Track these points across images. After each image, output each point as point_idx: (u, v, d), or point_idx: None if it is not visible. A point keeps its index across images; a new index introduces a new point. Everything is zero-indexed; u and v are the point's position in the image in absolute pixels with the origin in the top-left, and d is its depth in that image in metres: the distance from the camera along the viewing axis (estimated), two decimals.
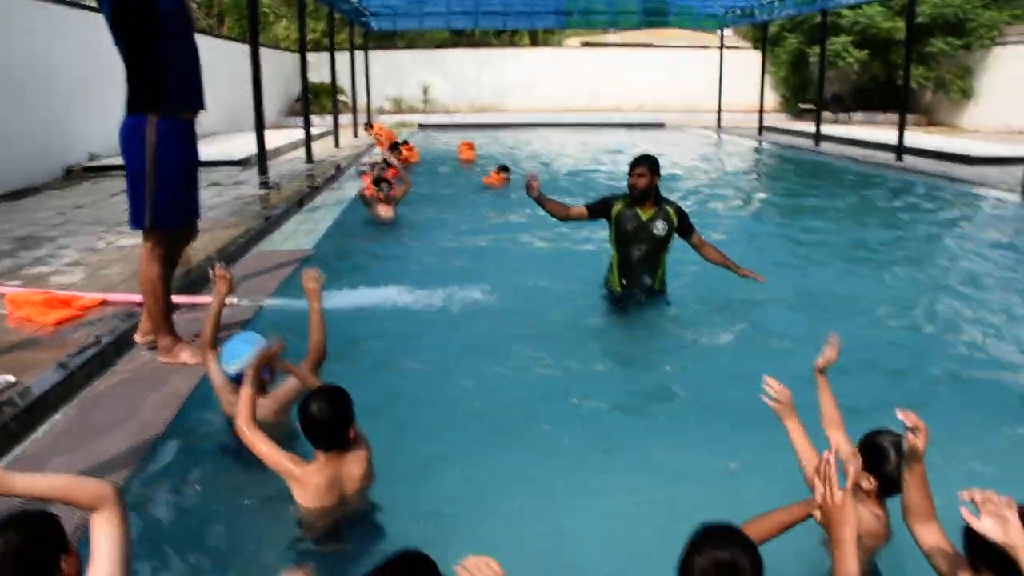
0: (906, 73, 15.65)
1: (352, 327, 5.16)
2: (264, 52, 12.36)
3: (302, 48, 15.37)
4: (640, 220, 5.70)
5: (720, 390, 4.36)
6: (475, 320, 5.65)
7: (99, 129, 12.00)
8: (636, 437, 3.88)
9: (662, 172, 5.71)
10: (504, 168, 12.73)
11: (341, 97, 22.65)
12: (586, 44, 38.86)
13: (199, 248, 7.02)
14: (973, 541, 1.96)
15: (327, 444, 2.86)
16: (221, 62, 16.41)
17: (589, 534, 3.07)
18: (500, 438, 3.81)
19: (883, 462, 2.48)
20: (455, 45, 34.31)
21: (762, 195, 12.88)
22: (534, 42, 37.82)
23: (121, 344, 4.79)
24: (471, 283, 6.26)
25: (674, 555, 1.88)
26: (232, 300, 4.41)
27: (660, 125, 26.58)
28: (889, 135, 16.45)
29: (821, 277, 7.04)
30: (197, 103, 4.52)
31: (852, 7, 23.40)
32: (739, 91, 26.50)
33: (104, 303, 5.41)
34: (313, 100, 22.92)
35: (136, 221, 4.43)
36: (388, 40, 32.74)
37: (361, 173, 12.31)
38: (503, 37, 36.99)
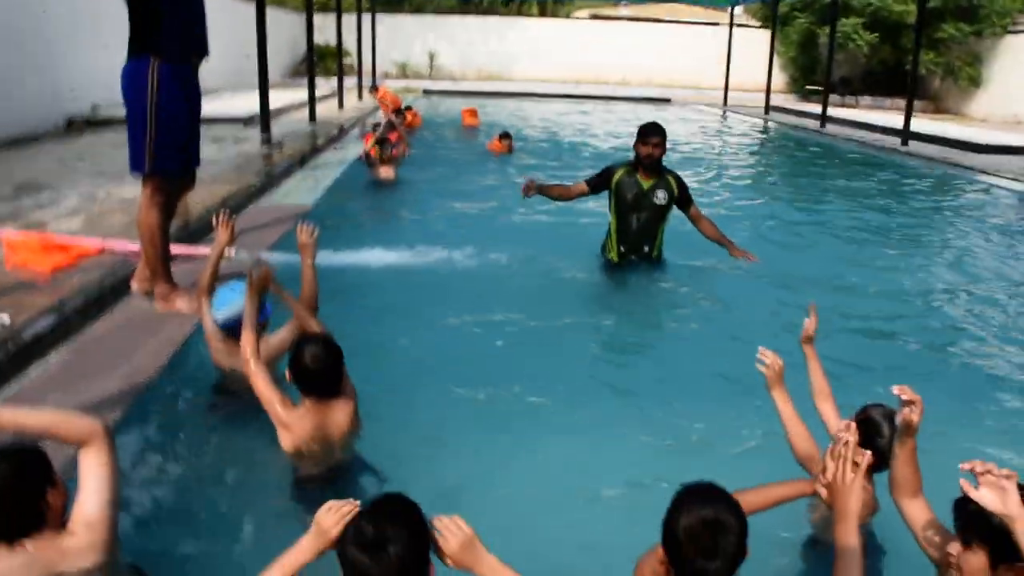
0: (915, 57, 15.51)
1: (345, 284, 5.16)
2: (270, 12, 12.24)
3: (308, 8, 15.21)
4: (641, 188, 5.69)
5: (714, 360, 4.36)
6: (469, 282, 5.65)
7: (102, 80, 11.88)
8: (629, 402, 3.89)
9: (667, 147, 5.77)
10: (507, 135, 12.68)
11: (346, 60, 22.46)
12: (595, 17, 38.52)
13: (198, 201, 7.00)
14: (967, 513, 1.95)
15: (319, 391, 2.86)
16: (226, 21, 16.23)
17: (579, 495, 3.08)
18: (491, 399, 3.82)
19: (876, 437, 2.47)
20: (463, 12, 34.00)
21: (763, 173, 12.84)
22: (543, 13, 37.46)
23: (117, 290, 4.79)
24: (468, 246, 6.27)
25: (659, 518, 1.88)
26: (230, 252, 4.40)
27: (667, 100, 26.42)
28: (895, 120, 16.34)
29: (816, 256, 7.03)
30: (200, 48, 4.48)
31: None
32: (747, 70, 26.37)
33: (102, 251, 5.40)
34: (318, 62, 22.72)
35: (136, 166, 4.41)
36: (396, 4, 32.43)
37: (364, 134, 12.25)
38: (511, 7, 36.64)
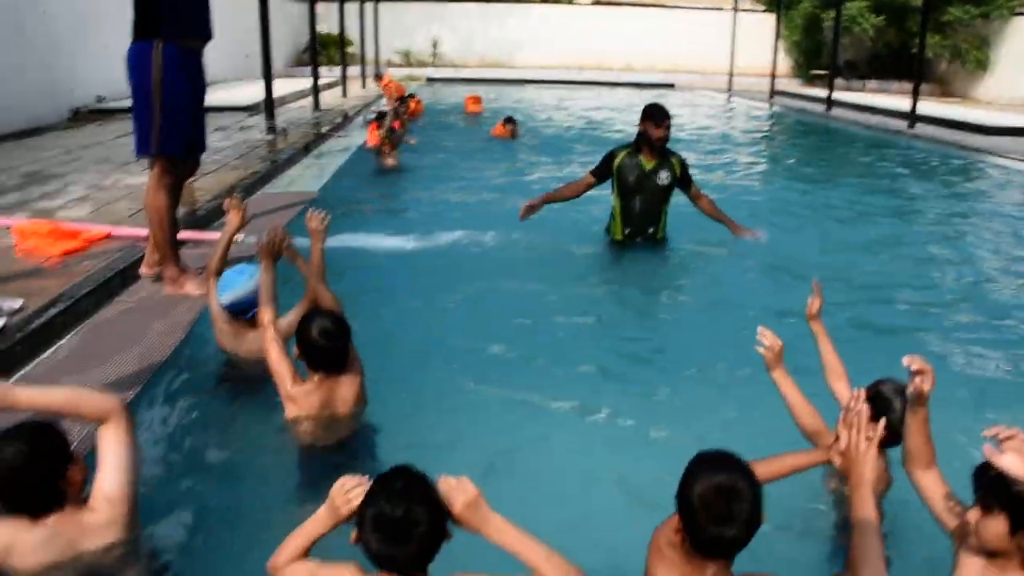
0: (922, 40, 15.42)
1: (352, 268, 5.18)
2: (273, 1, 12.21)
3: None
4: (643, 170, 5.70)
5: (716, 339, 4.38)
6: (475, 265, 5.67)
7: (107, 71, 11.86)
8: (636, 384, 3.90)
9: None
10: (510, 120, 12.67)
11: (349, 48, 22.42)
12: (598, 3, 38.28)
13: (205, 189, 7.01)
14: (988, 480, 1.93)
15: (327, 366, 2.88)
16: (229, 10, 16.18)
17: (581, 465, 3.11)
18: (496, 381, 3.82)
19: (888, 411, 2.46)
20: None
21: (769, 157, 12.79)
22: None
23: (126, 275, 4.81)
24: (473, 229, 6.29)
25: (671, 487, 1.88)
26: (239, 237, 4.42)
27: (670, 86, 26.30)
28: (902, 103, 16.25)
29: (822, 237, 7.01)
30: (204, 32, 4.48)
31: None
32: (751, 54, 26.16)
33: (110, 236, 5.42)
34: (321, 51, 22.67)
35: (142, 148, 4.42)
36: None
37: (368, 122, 12.26)
38: None
